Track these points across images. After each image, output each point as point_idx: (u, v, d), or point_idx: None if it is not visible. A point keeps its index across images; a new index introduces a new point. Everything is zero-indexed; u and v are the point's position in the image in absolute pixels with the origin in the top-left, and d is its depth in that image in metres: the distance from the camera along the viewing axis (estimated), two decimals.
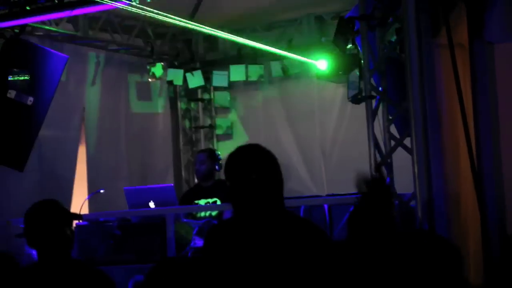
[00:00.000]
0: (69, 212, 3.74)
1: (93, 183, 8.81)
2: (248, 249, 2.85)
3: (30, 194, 7.78)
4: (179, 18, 7.79)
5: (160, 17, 7.59)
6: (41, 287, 3.57)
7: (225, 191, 3.12)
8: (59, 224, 3.63)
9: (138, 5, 7.24)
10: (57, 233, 3.61)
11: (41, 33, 8.55)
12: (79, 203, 7.65)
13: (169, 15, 7.70)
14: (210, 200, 7.85)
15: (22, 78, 7.82)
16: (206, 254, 2.94)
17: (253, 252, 2.85)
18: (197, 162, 8.25)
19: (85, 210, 8.46)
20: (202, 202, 7.82)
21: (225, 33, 8.52)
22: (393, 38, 6.53)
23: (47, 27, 8.44)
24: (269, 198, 2.92)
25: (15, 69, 7.78)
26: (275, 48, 9.35)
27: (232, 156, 3.05)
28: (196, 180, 8.73)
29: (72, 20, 8.65)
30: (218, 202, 7.79)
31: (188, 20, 9.66)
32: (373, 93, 6.29)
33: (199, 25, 7.96)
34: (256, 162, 2.95)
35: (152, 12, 7.38)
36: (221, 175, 8.77)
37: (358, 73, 6.48)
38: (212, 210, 7.73)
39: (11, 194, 8.05)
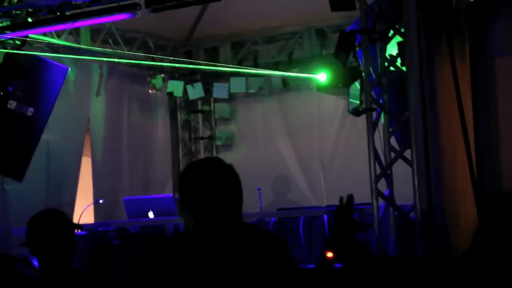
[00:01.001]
0: (71, 221, 3.74)
1: (98, 193, 8.83)
2: (205, 262, 2.81)
3: (33, 204, 7.78)
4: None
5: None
6: None
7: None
8: (61, 233, 3.63)
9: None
10: (59, 241, 3.61)
11: (42, 45, 8.57)
12: (85, 212, 7.69)
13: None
14: None
15: (22, 89, 7.85)
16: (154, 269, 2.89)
17: (210, 265, 2.80)
18: None
19: (91, 219, 8.49)
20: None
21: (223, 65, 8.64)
22: (394, 52, 6.56)
23: (48, 39, 8.46)
24: (226, 211, 2.87)
25: (15, 80, 7.81)
26: (276, 60, 9.43)
27: (192, 167, 2.99)
28: None
29: (74, 32, 8.69)
30: None
31: (190, 32, 9.78)
32: (374, 106, 6.32)
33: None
34: (214, 176, 2.89)
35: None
36: None
37: (358, 86, 6.52)
38: None
39: (12, 204, 8.07)
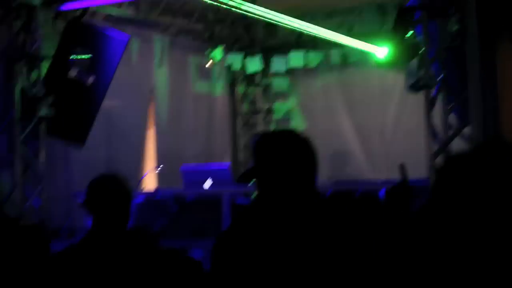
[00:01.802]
0: (129, 187, 3.80)
1: (161, 160, 8.94)
2: (278, 234, 2.79)
3: (97, 170, 7.91)
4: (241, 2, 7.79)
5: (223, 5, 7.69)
6: (95, 255, 3.61)
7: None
8: (117, 197, 3.69)
9: None
10: (114, 205, 3.67)
11: (104, 15, 8.66)
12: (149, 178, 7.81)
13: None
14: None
15: (83, 58, 7.96)
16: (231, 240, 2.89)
17: (282, 237, 2.79)
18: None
19: (152, 185, 8.62)
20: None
21: (289, 18, 8.46)
22: (455, 28, 6.45)
23: (108, 10, 8.54)
24: (299, 184, 2.83)
25: (77, 49, 7.92)
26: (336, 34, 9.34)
27: (263, 139, 2.96)
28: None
29: (134, 3, 8.76)
30: None
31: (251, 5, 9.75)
32: (432, 82, 6.25)
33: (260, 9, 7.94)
34: (289, 146, 2.86)
35: None
36: None
37: (417, 61, 6.44)
38: None
39: (76, 170, 8.25)
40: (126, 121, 8.87)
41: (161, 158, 8.93)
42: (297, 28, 8.63)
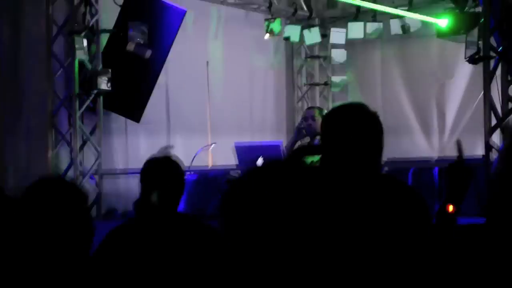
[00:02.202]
0: (182, 170, 3.81)
1: (216, 135, 8.92)
2: (338, 211, 2.73)
3: (154, 144, 7.93)
4: None
5: None
6: (143, 237, 3.63)
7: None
8: (169, 181, 3.73)
9: None
10: (166, 189, 3.70)
11: None
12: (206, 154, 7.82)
13: None
14: (317, 158, 7.72)
15: (141, 31, 7.97)
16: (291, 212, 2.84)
17: (343, 215, 2.72)
18: (309, 118, 8.12)
19: (209, 161, 8.61)
20: (309, 160, 7.72)
21: None
22: None
23: None
24: (365, 160, 2.76)
25: (135, 22, 7.93)
26: (395, 5, 9.13)
27: (332, 113, 2.90)
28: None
29: None
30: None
31: None
32: (492, 53, 6.03)
33: None
34: (357, 123, 2.79)
35: None
36: None
37: (477, 31, 6.24)
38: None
39: (133, 145, 8.30)
40: (181, 95, 8.86)
41: (216, 133, 8.90)
42: (356, 3, 8.52)
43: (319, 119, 7.95)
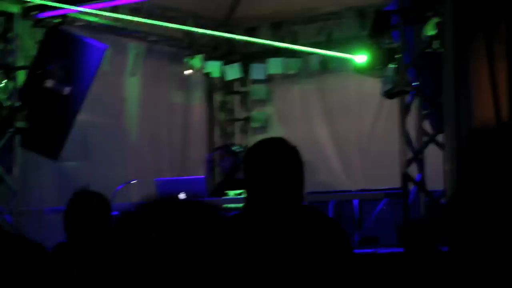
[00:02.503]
0: (108, 203, 3.76)
1: (135, 173, 8.85)
2: (260, 244, 2.76)
3: (72, 183, 7.83)
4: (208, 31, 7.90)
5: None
6: (63, 276, 3.57)
7: None
8: (98, 213, 3.67)
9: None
10: (94, 221, 3.65)
11: (82, 23, 8.58)
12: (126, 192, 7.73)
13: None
14: (239, 192, 7.75)
15: (60, 67, 7.89)
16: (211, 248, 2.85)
17: (265, 247, 2.75)
18: (219, 161, 8.16)
19: (127, 199, 8.50)
20: (231, 193, 7.76)
21: (259, 39, 8.60)
22: (432, 33, 6.40)
23: (87, 18, 8.46)
24: (287, 193, 2.81)
25: (54, 59, 7.85)
26: (315, 41, 9.30)
27: (256, 146, 2.96)
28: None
29: (113, 10, 8.68)
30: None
31: (229, 12, 9.72)
32: (408, 88, 6.19)
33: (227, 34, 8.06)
34: (278, 156, 2.84)
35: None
36: None
37: (394, 67, 6.39)
38: (240, 202, 7.63)
39: (44, 184, 8.14)
40: (99, 132, 8.77)
41: (135, 170, 8.84)
42: (275, 45, 8.71)
43: (227, 158, 8.01)
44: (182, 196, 5.43)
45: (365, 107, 9.34)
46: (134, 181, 8.06)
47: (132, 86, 9.31)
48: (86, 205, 3.67)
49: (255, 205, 2.82)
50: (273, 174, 2.77)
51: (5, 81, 7.67)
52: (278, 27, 9.77)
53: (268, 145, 2.90)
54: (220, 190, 8.13)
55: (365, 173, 9.18)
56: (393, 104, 6.98)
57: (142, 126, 9.32)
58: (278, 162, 2.79)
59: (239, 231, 2.74)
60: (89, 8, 8.10)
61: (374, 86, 8.95)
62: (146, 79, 9.46)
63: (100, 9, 8.26)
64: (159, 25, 9.15)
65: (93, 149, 8.73)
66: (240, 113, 10.39)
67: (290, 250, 2.70)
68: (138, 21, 8.59)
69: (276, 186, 2.77)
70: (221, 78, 10.03)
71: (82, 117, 8.29)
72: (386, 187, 6.68)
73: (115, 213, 7.05)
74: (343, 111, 9.49)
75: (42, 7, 7.71)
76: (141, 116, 9.34)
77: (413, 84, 6.26)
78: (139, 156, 9.16)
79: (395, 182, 6.93)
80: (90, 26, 8.68)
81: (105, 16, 8.49)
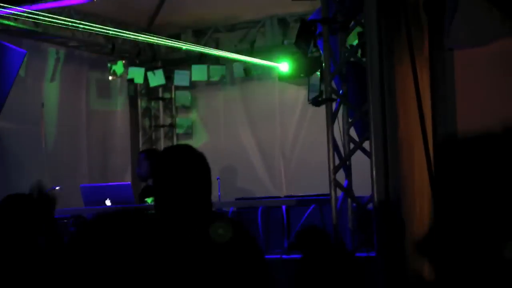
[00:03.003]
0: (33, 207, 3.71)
1: (53, 179, 8.70)
2: (168, 251, 2.79)
3: None
4: (136, 34, 7.86)
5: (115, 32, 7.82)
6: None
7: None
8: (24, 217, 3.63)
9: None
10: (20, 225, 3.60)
11: (0, 28, 8.41)
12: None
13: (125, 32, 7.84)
14: (149, 200, 7.70)
15: None
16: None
17: (172, 254, 2.78)
18: (137, 165, 8.10)
19: None
20: (149, 200, 7.74)
21: (184, 43, 8.61)
22: (355, 42, 6.55)
23: (6, 22, 8.29)
24: (195, 200, 2.87)
25: None
26: (238, 49, 9.39)
27: (163, 154, 3.04)
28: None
29: (32, 16, 8.52)
30: None
31: (151, 19, 9.70)
32: (334, 96, 6.31)
33: (155, 37, 8.05)
34: (184, 163, 2.90)
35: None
36: None
37: (319, 75, 6.50)
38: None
39: None
40: (15, 139, 8.60)
41: (55, 178, 8.69)
42: (199, 49, 8.73)
43: (145, 163, 7.98)
44: (108, 202, 5.39)
45: (288, 114, 9.47)
46: (57, 188, 7.93)
47: (51, 92, 9.16)
48: (16, 208, 3.63)
49: (162, 212, 2.87)
50: (180, 181, 2.84)
51: None
52: (201, 34, 9.81)
53: (175, 153, 2.98)
54: (142, 197, 8.09)
55: (289, 179, 9.31)
56: (316, 111, 7.11)
57: (61, 132, 9.17)
58: (184, 169, 2.86)
59: (147, 238, 2.77)
60: (6, 13, 7.93)
61: (297, 93, 9.12)
62: (66, 84, 9.33)
63: (19, 13, 8.10)
64: (80, 31, 9.06)
65: (7, 155, 8.54)
66: (164, 119, 10.37)
67: (197, 256, 2.75)
68: (59, 26, 8.49)
69: (183, 193, 2.84)
70: (145, 84, 9.99)
71: None
72: (311, 194, 6.79)
73: None
74: (267, 118, 9.60)
75: None
76: (60, 122, 9.19)
77: (339, 92, 6.38)
78: (56, 163, 9.01)
79: (318, 188, 7.06)
80: (8, 30, 8.51)
81: (24, 20, 8.34)
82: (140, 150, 10.01)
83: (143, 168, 7.99)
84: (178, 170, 2.85)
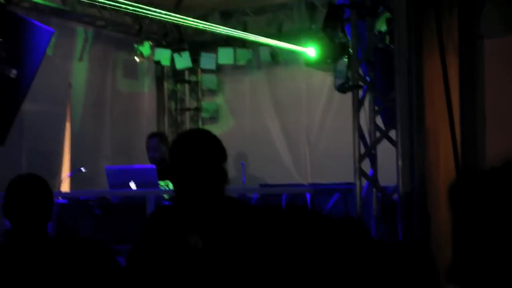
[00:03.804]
0: (49, 188, 3.67)
1: (76, 160, 8.71)
2: (189, 235, 2.78)
3: (12, 169, 7.66)
4: (163, 12, 7.79)
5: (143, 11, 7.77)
6: (13, 261, 3.50)
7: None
8: (36, 199, 3.58)
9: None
10: (34, 207, 3.56)
11: (28, 5, 8.40)
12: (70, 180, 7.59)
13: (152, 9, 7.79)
14: (162, 183, 7.67)
15: (6, 50, 7.68)
16: (144, 241, 2.86)
17: (188, 237, 2.77)
18: (151, 149, 8.04)
19: (66, 188, 8.39)
20: (162, 183, 7.70)
21: (211, 25, 8.53)
22: (383, 28, 6.44)
23: (34, 0, 8.29)
24: (211, 184, 2.84)
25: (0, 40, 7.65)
26: (265, 33, 9.30)
27: (180, 138, 3.00)
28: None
29: None
30: (170, 185, 7.65)
31: (179, 0, 9.64)
32: (360, 83, 6.21)
33: (182, 17, 7.96)
34: (202, 147, 2.88)
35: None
36: None
37: (346, 61, 6.40)
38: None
39: None
40: (42, 119, 8.60)
41: (78, 159, 8.70)
42: (226, 32, 8.66)
43: (161, 147, 7.94)
44: (132, 185, 5.34)
45: (314, 100, 9.38)
46: (83, 169, 7.93)
47: (79, 72, 9.15)
48: (27, 190, 3.59)
49: (182, 197, 2.85)
50: (197, 165, 2.82)
51: None
52: (228, 17, 9.74)
53: (191, 137, 2.95)
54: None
55: (314, 166, 9.23)
56: (342, 98, 7.02)
57: (86, 113, 9.16)
58: (201, 153, 2.84)
59: (169, 224, 2.75)
60: None
61: (323, 79, 9.02)
62: (93, 64, 9.31)
63: None
64: (107, 10, 9.03)
65: (36, 136, 8.54)
66: (190, 103, 10.33)
67: (218, 242, 2.73)
68: (86, 3, 8.45)
69: (201, 177, 2.81)
70: (171, 66, 9.94)
71: (25, 103, 8.10)
72: (336, 182, 6.72)
73: (61, 200, 7.00)
74: (293, 103, 9.52)
75: None
76: (86, 103, 9.18)
77: (366, 79, 6.28)
78: (81, 144, 9.01)
79: (343, 176, 6.98)
80: (36, 8, 8.50)
81: None
82: (166, 133, 9.97)
83: (160, 151, 7.93)
84: (189, 156, 2.83)
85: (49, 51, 8.49)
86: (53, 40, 8.42)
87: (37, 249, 3.48)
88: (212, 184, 2.82)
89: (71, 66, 9.06)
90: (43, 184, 3.61)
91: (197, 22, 8.79)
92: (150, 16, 8.38)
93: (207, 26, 8.80)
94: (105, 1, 8.19)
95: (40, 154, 8.48)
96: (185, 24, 8.94)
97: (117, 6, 8.40)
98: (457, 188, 2.15)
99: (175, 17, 8.77)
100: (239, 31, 9.15)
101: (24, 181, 3.61)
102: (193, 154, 2.83)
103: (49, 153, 8.59)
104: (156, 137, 8.17)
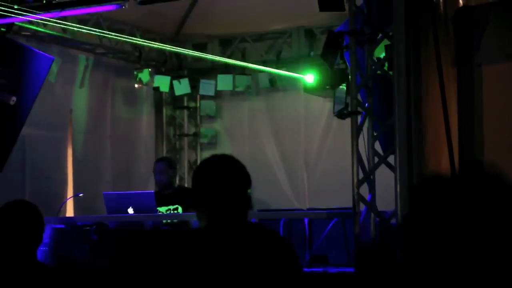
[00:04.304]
0: (39, 214, 3.69)
1: (78, 186, 8.73)
2: (215, 261, 2.78)
3: (15, 194, 7.67)
4: (161, 45, 8.05)
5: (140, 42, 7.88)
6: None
7: (187, 198, 3.07)
8: (25, 225, 3.61)
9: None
10: (23, 233, 3.58)
11: (28, 33, 8.46)
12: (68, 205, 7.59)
13: (148, 42, 7.90)
14: (172, 207, 7.70)
15: (5, 77, 7.73)
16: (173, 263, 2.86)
17: (219, 264, 2.78)
18: (157, 173, 8.10)
19: (71, 212, 8.40)
20: (162, 209, 7.72)
21: (209, 54, 8.64)
22: (382, 55, 6.49)
23: (34, 27, 8.34)
24: (237, 211, 2.86)
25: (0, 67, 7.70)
26: (264, 59, 9.37)
27: (204, 164, 2.99)
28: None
29: (60, 22, 8.55)
30: (180, 209, 7.68)
31: (178, 28, 9.72)
32: (359, 109, 6.25)
33: (178, 48, 8.08)
34: (228, 173, 2.89)
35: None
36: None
37: (345, 88, 6.45)
38: (182, 218, 7.49)
39: None
40: (45, 144, 8.63)
41: (79, 184, 8.72)
42: (225, 60, 8.76)
43: (169, 171, 8.00)
44: (130, 211, 5.36)
45: (313, 126, 9.42)
46: (81, 194, 7.94)
47: (80, 98, 9.21)
48: (14, 216, 3.61)
49: (211, 224, 2.85)
50: (221, 191, 2.82)
51: None
52: (227, 44, 9.81)
53: (217, 163, 2.94)
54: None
55: (312, 191, 9.24)
56: (341, 124, 7.07)
57: (87, 139, 9.21)
58: (227, 179, 2.84)
59: (197, 250, 2.76)
60: (35, 19, 7.97)
61: (322, 105, 9.07)
62: (93, 91, 9.37)
63: (48, 19, 8.13)
64: (107, 38, 9.09)
65: (31, 162, 8.56)
66: (189, 128, 10.36)
67: (244, 268, 2.74)
68: (86, 32, 8.51)
69: (225, 203, 2.82)
70: (170, 93, 9.99)
71: (26, 128, 8.13)
72: (334, 207, 6.74)
73: (59, 226, 7.00)
74: (292, 129, 9.55)
75: None
76: (87, 129, 9.23)
77: (365, 105, 6.32)
78: (81, 169, 9.04)
79: (341, 201, 6.99)
80: (37, 36, 8.56)
81: (53, 26, 8.36)
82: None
83: (167, 175, 7.97)
84: (220, 180, 2.83)
85: (52, 79, 8.56)
86: (55, 67, 8.50)
87: (24, 274, 3.49)
88: (239, 211, 2.83)
89: (72, 93, 9.11)
90: (31, 209, 3.64)
91: (196, 52, 8.87)
92: (150, 46, 8.47)
93: (206, 55, 8.88)
94: (104, 33, 8.27)
95: (43, 179, 8.51)
96: (184, 53, 9.03)
97: (117, 38, 8.50)
98: (416, 189, 2.20)
99: (174, 48, 8.86)
100: (237, 60, 9.22)
101: (12, 208, 3.64)
102: (221, 181, 2.83)
103: (53, 178, 8.62)
104: (164, 161, 8.26)
